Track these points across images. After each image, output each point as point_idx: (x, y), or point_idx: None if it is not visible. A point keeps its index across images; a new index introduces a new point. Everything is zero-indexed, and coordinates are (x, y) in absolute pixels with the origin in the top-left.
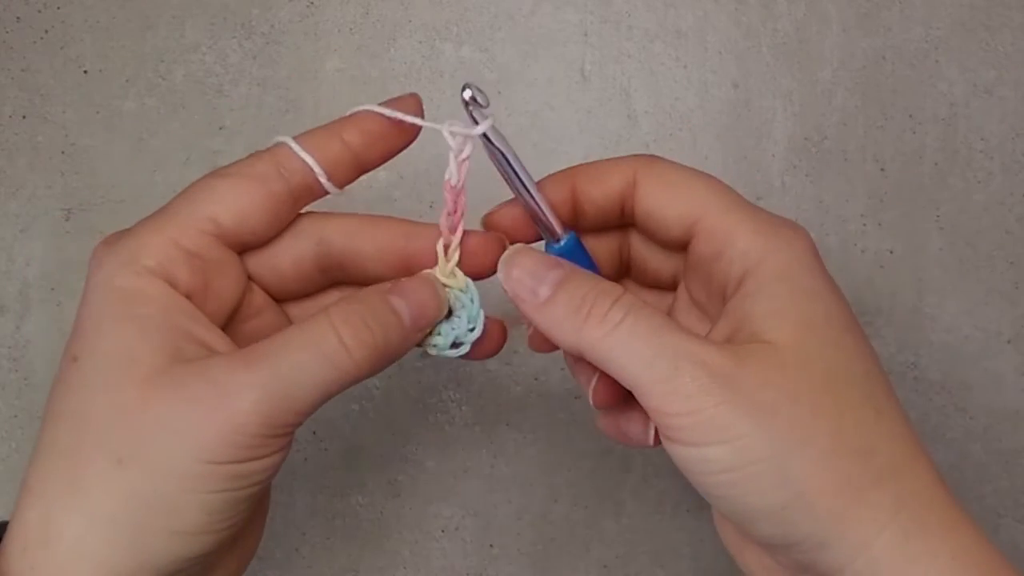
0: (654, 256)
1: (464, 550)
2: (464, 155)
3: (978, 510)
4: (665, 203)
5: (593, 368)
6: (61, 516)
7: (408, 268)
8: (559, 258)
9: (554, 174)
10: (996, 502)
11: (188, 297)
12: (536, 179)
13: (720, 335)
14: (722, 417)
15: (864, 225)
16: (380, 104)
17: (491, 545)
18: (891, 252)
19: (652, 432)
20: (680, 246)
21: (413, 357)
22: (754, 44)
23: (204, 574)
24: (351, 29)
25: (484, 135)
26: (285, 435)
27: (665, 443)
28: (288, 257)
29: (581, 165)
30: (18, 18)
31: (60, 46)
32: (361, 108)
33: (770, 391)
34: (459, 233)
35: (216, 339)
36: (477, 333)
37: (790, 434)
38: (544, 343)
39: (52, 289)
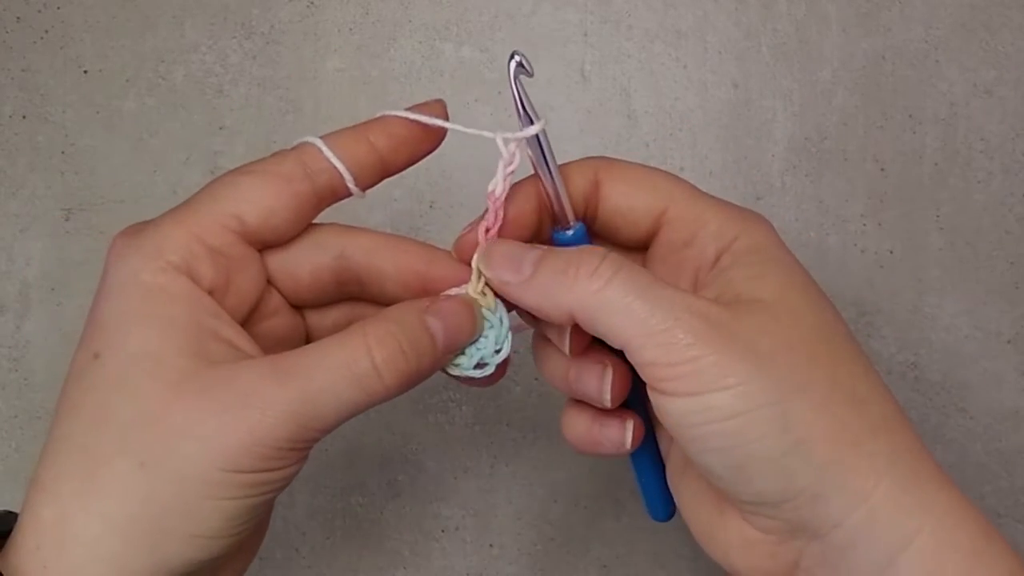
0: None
1: (464, 550)
2: (513, 166)
3: None
4: (631, 198)
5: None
6: (77, 516)
7: (426, 291)
8: (527, 245)
9: (516, 185)
10: (996, 502)
11: (210, 293)
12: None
13: (713, 290)
14: (723, 363)
15: (864, 225)
16: (406, 109)
17: (491, 545)
18: (891, 252)
19: (630, 435)
20: (643, 242)
21: None
22: (754, 44)
23: (213, 574)
24: (351, 29)
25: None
26: (306, 447)
27: (660, 400)
28: (308, 266)
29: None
30: (18, 18)
31: (60, 46)
32: (389, 113)
33: (767, 339)
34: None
35: (240, 338)
36: (504, 354)
37: (790, 380)
38: (579, 348)
39: (52, 289)
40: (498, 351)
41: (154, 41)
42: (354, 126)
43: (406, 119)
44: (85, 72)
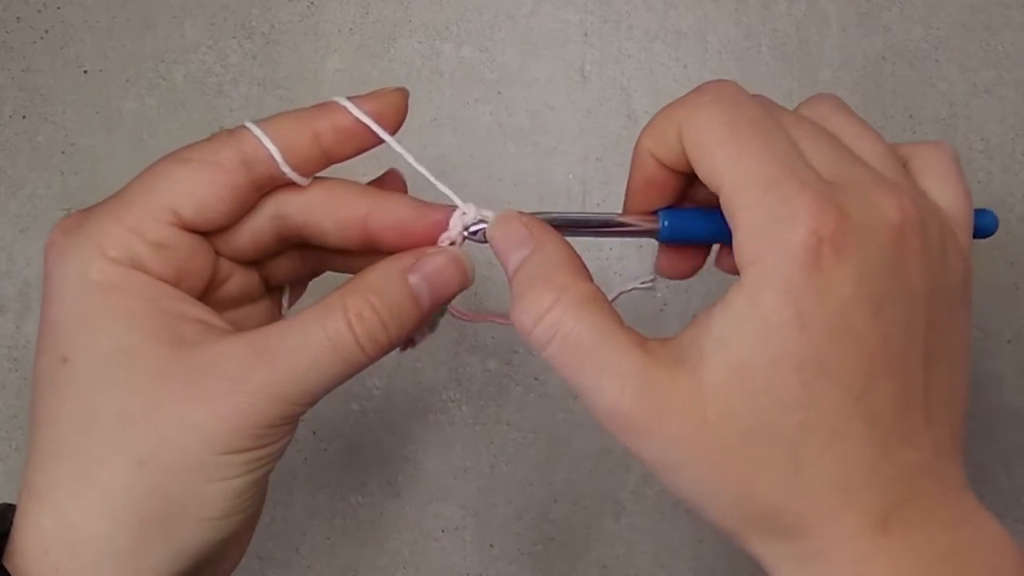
0: None
1: (464, 550)
2: (456, 241)
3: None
4: (698, 165)
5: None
6: (82, 519)
7: (369, 244)
8: (533, 228)
9: (635, 151)
10: (996, 502)
11: (154, 271)
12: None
13: (686, 334)
14: (641, 457)
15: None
16: (360, 97)
17: (491, 545)
18: None
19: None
20: None
21: (414, 357)
22: (754, 44)
23: (225, 551)
24: (351, 29)
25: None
26: (296, 419)
27: None
28: (246, 236)
29: (649, 124)
30: (18, 18)
31: (60, 46)
32: (338, 101)
33: (681, 448)
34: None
35: (208, 314)
36: (444, 312)
37: (695, 490)
38: (674, 268)
39: None
40: (442, 313)
41: (154, 41)
42: (298, 112)
43: (354, 117)
44: (85, 72)
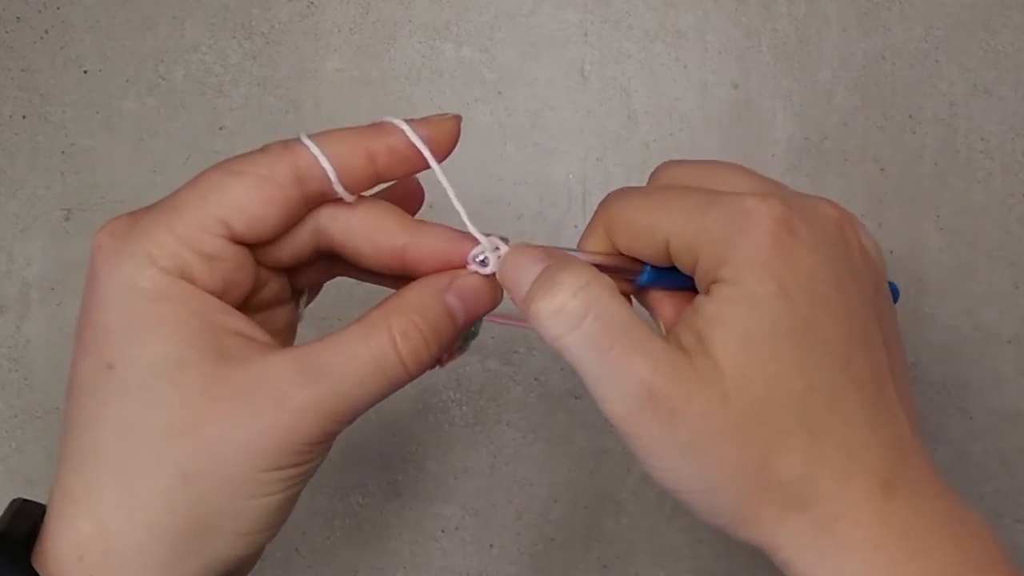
0: None
1: (464, 550)
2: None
3: (978, 510)
4: (639, 244)
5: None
6: (121, 527)
7: (405, 271)
8: (553, 251)
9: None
10: (996, 502)
11: (203, 282)
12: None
13: (680, 324)
14: (660, 446)
15: (864, 225)
16: (417, 121)
17: (491, 545)
18: (891, 252)
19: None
20: None
21: None
22: (754, 44)
23: (249, 562)
24: (351, 29)
25: None
26: (335, 436)
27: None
28: (287, 248)
29: (573, 251)
30: (18, 18)
31: (60, 46)
32: (392, 122)
33: (707, 426)
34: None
35: (250, 327)
36: (477, 334)
37: (718, 472)
38: None
39: (52, 289)
40: (474, 335)
41: (154, 41)
42: (354, 131)
43: (409, 140)
44: (85, 72)
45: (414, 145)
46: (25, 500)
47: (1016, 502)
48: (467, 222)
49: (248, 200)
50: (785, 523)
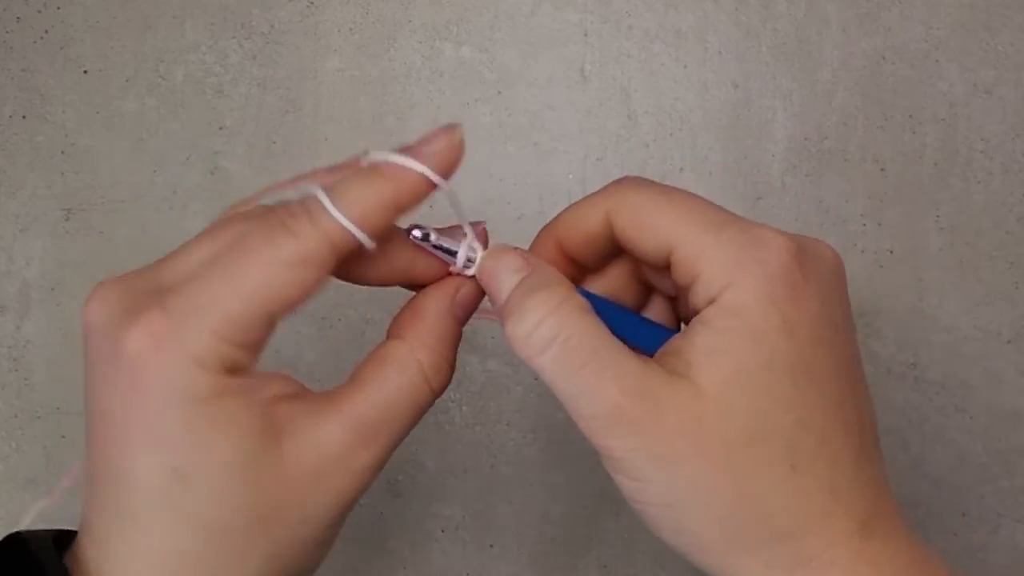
0: (656, 276)
1: (464, 550)
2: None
3: (978, 510)
4: (638, 239)
5: None
6: None
7: (406, 284)
8: (528, 259)
9: (540, 232)
10: (996, 502)
11: (246, 368)
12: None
13: (670, 347)
14: (631, 459)
15: (864, 225)
16: (423, 146)
17: (491, 545)
18: (891, 252)
19: None
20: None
21: None
22: (754, 44)
23: None
24: (351, 29)
25: None
26: None
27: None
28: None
29: (561, 214)
30: (18, 18)
31: (60, 46)
32: (406, 164)
33: (680, 443)
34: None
35: (281, 384)
36: None
37: (691, 489)
38: None
39: (52, 289)
40: None
41: (154, 41)
42: (372, 181)
43: (426, 177)
44: (85, 72)
45: (431, 180)
46: (63, 531)
47: (1016, 502)
48: (468, 231)
49: (294, 291)
50: (760, 555)
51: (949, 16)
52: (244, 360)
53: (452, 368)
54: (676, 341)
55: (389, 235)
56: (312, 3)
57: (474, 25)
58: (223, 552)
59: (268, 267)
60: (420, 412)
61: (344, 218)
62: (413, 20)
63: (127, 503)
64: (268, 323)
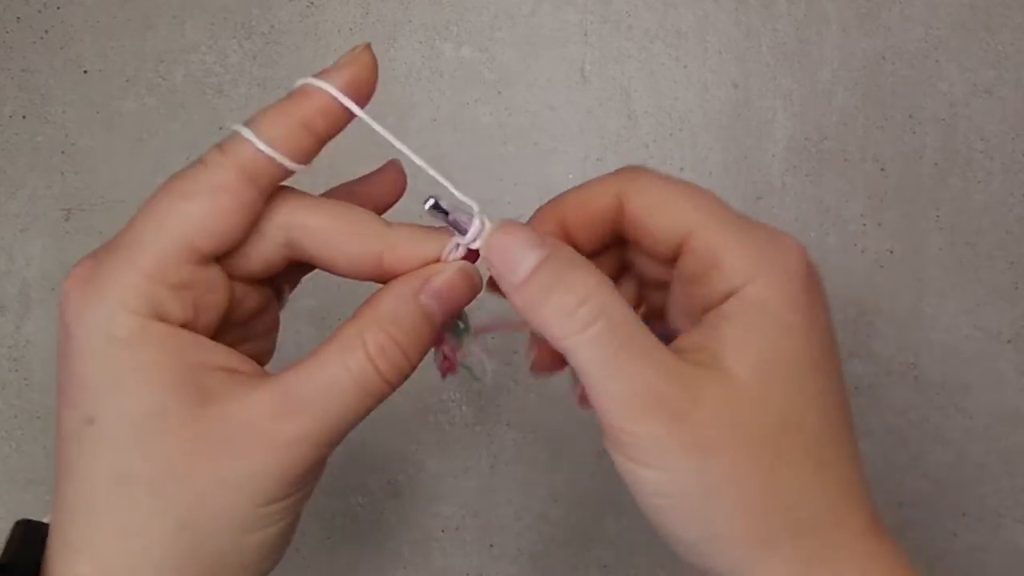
0: (652, 267)
1: (464, 550)
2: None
3: (978, 510)
4: (652, 222)
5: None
6: (123, 573)
7: (382, 276)
8: (546, 236)
9: (541, 208)
10: (996, 502)
11: (183, 326)
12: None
13: (689, 342)
14: (662, 446)
15: (864, 225)
16: (332, 71)
17: (491, 545)
18: (891, 252)
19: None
20: (673, 260)
21: None
22: (754, 44)
23: None
24: (351, 29)
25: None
26: (326, 458)
27: (606, 445)
28: (259, 262)
29: (567, 192)
30: (18, 18)
31: (60, 46)
32: (312, 83)
33: (714, 430)
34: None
35: (230, 357)
36: (469, 329)
37: (721, 478)
38: (545, 366)
39: (52, 289)
40: (467, 330)
41: (154, 41)
42: (281, 106)
43: (335, 98)
44: (85, 72)
45: (340, 103)
46: (29, 521)
47: (1016, 502)
48: (416, 159)
49: (209, 218)
50: (780, 549)
51: (949, 16)
52: (176, 307)
53: (409, 354)
54: (695, 336)
55: (346, 197)
56: (312, 3)
57: (474, 25)
58: (134, 508)
59: (182, 200)
60: (365, 394)
61: (250, 133)
62: (413, 20)
63: (58, 455)
64: (193, 258)
